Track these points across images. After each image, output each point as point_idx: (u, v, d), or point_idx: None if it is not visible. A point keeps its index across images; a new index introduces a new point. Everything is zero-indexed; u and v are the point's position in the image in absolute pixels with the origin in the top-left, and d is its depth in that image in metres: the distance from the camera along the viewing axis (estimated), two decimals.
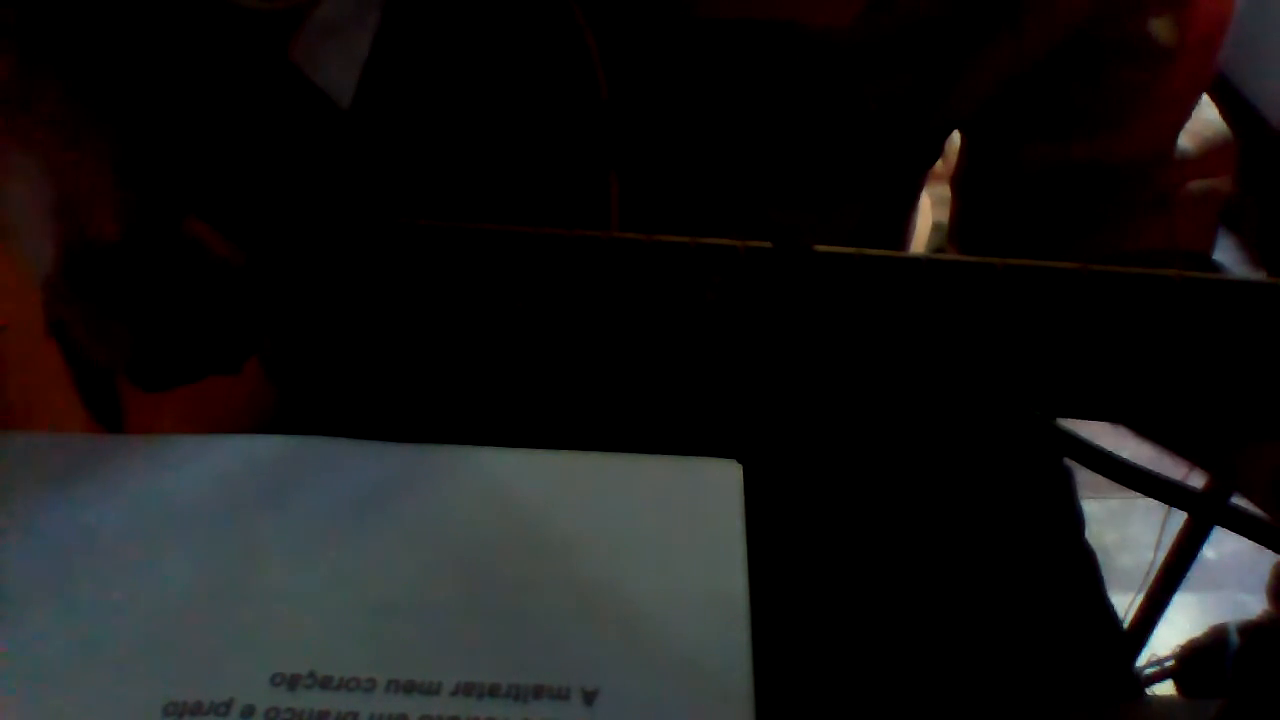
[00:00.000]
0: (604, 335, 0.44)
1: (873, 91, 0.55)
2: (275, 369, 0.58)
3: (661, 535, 0.41)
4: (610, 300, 0.43)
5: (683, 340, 0.43)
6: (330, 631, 0.37)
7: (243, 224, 0.50)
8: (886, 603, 0.59)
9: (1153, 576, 1.14)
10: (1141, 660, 1.17)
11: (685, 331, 0.43)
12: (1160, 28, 0.54)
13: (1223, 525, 0.49)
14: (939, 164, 0.66)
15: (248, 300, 0.50)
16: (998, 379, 0.40)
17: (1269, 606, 0.45)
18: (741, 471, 0.43)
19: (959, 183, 0.64)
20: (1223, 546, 1.49)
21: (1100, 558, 0.65)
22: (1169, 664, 1.07)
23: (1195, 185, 0.57)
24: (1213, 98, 0.59)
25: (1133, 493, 0.44)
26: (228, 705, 0.35)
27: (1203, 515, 1.03)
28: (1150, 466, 0.43)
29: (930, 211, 0.75)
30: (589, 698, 0.36)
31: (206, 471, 0.43)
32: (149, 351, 0.48)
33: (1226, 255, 0.61)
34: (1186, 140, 0.57)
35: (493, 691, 0.36)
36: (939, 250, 0.72)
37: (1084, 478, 0.59)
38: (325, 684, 0.36)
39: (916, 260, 0.41)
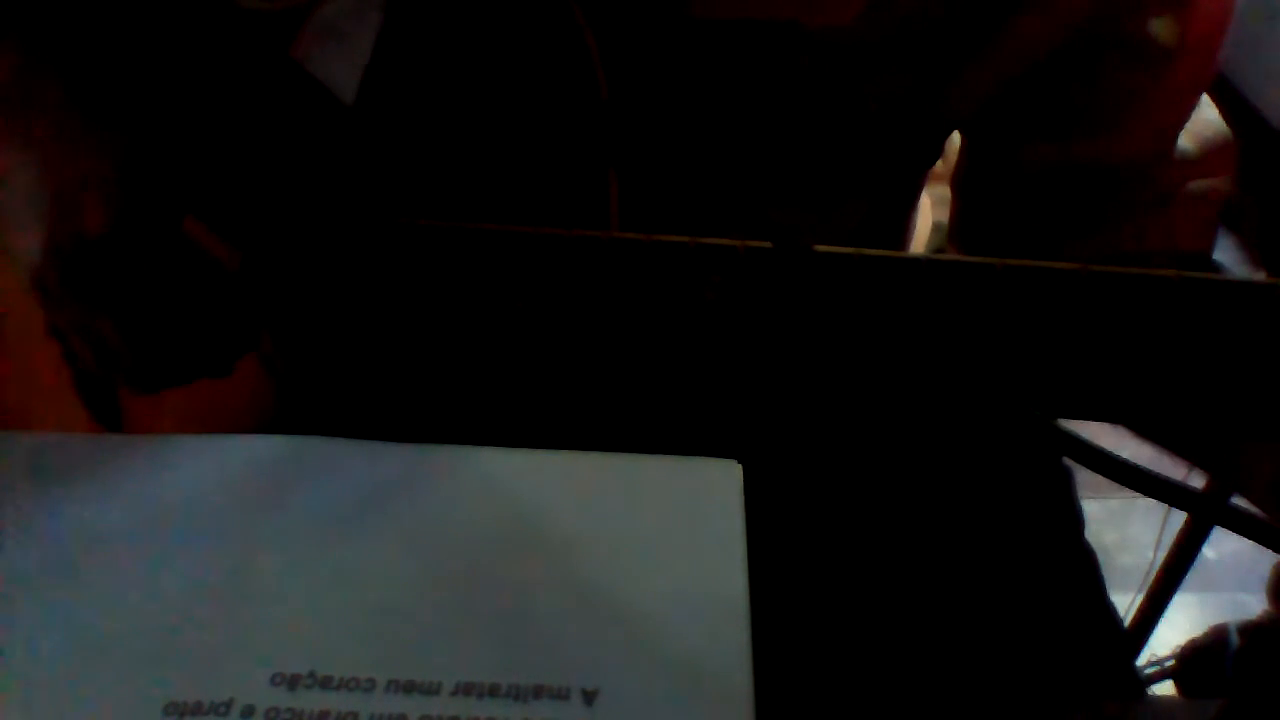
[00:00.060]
0: (604, 335, 0.44)
1: (873, 91, 0.55)
2: (275, 369, 0.58)
3: (661, 535, 0.41)
4: (610, 300, 0.43)
5: (683, 340, 0.43)
6: (330, 631, 0.37)
7: (243, 224, 0.50)
8: (886, 603, 0.59)
9: (1153, 576, 1.14)
10: (1141, 660, 1.17)
11: (685, 331, 0.43)
12: (1160, 28, 0.54)
13: (1223, 525, 0.49)
14: (939, 164, 0.66)
15: (240, 303, 0.50)
16: (998, 379, 0.40)
17: (1269, 606, 0.45)
18: (741, 471, 0.43)
19: (959, 183, 0.64)
20: (1223, 546, 1.49)
21: (1100, 558, 0.65)
22: (1169, 664, 1.07)
23: (1195, 185, 0.57)
24: (1213, 98, 0.59)
25: (1133, 493, 0.44)
26: (228, 705, 0.35)
27: (1203, 515, 1.03)
28: (1150, 466, 0.43)
29: (930, 211, 0.75)
30: (589, 698, 0.36)
31: (206, 471, 0.43)
32: (140, 352, 0.48)
33: (1226, 255, 0.61)
34: (1186, 140, 0.57)
35: (493, 691, 0.36)
36: (939, 250, 0.72)
37: (1084, 478, 0.59)
38: (325, 684, 0.36)
39: (916, 260, 0.41)
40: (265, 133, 0.52)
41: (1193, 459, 0.55)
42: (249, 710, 0.35)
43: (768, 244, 0.41)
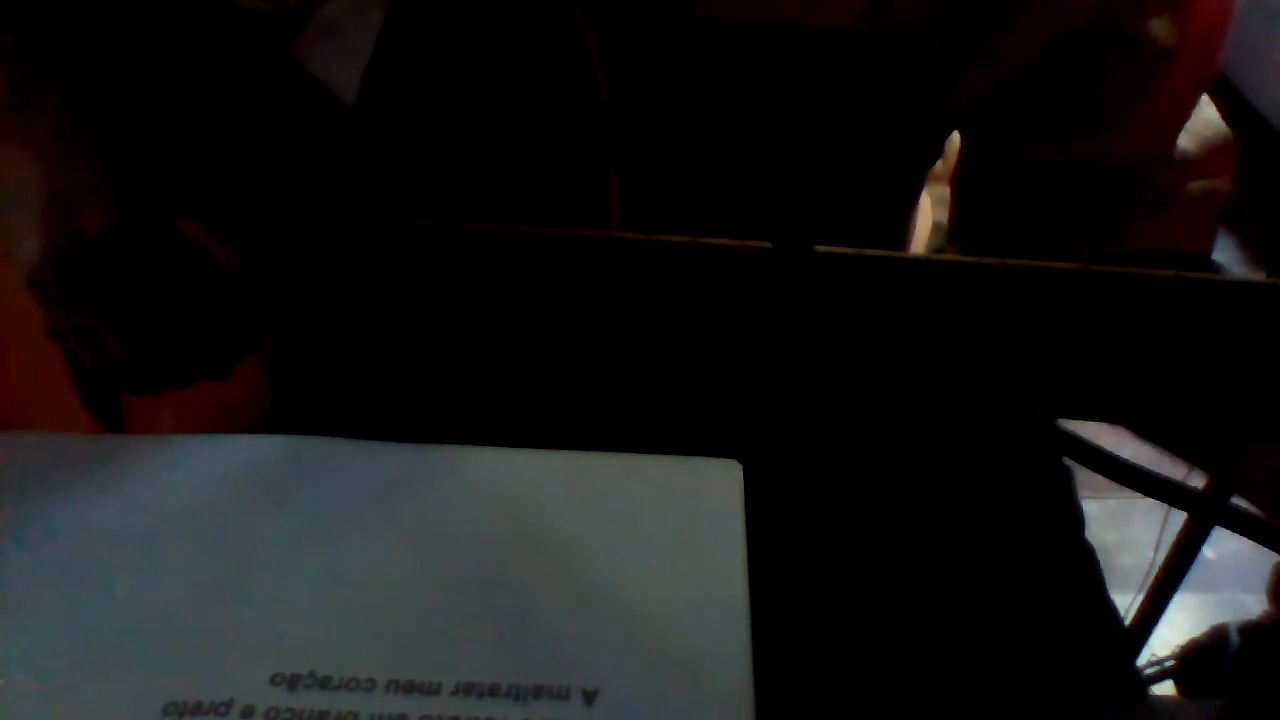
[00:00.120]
0: (604, 335, 0.44)
1: (873, 91, 0.55)
2: (275, 369, 0.58)
3: (661, 535, 0.41)
4: (610, 300, 0.43)
5: (683, 340, 0.43)
6: (330, 631, 0.37)
7: (243, 224, 0.50)
8: (886, 603, 0.59)
9: (1153, 576, 1.14)
10: (1141, 660, 1.17)
11: (685, 331, 0.43)
12: (1160, 28, 0.54)
13: (1223, 525, 0.49)
14: (939, 164, 0.66)
15: (239, 305, 0.50)
16: (998, 379, 0.40)
17: (1269, 606, 0.45)
18: (741, 471, 0.43)
19: (959, 183, 0.64)
20: (1223, 546, 1.49)
21: (1100, 558, 0.65)
22: (1169, 664, 1.07)
23: (1195, 185, 0.57)
24: (1213, 98, 0.59)
25: (1133, 493, 0.44)
26: (228, 705, 0.35)
27: (1203, 515, 1.03)
28: (1150, 466, 0.43)
29: (930, 211, 0.75)
30: (589, 698, 0.36)
31: (206, 471, 0.43)
32: (138, 354, 0.48)
33: (1226, 255, 0.61)
34: (1186, 140, 0.57)
35: (493, 691, 0.36)
36: (939, 250, 0.72)
37: (1084, 478, 0.59)
38: (325, 684, 0.36)
39: (916, 260, 0.41)
40: (265, 133, 0.52)
41: (1193, 459, 0.55)
42: (249, 710, 0.35)
43: (768, 244, 0.41)
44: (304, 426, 0.45)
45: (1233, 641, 0.45)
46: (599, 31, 0.48)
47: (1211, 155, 0.58)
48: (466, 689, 0.36)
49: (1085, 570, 0.64)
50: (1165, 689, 1.10)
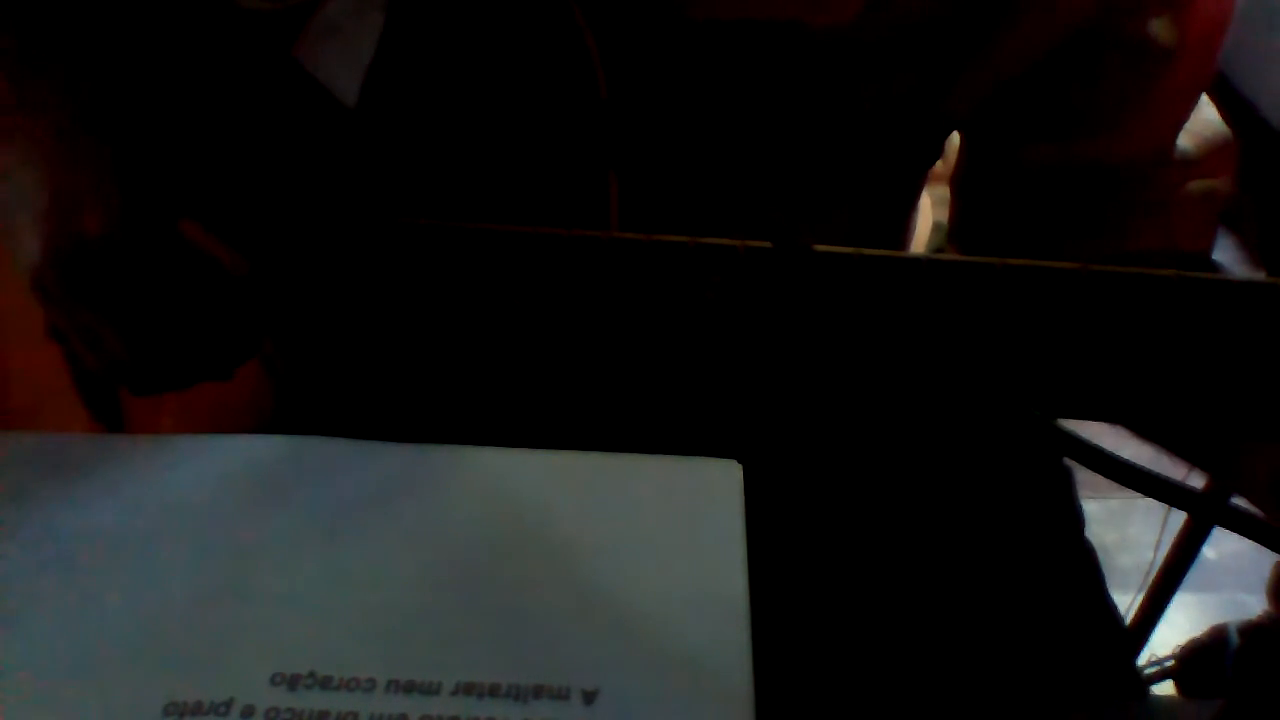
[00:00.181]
0: (604, 335, 0.44)
1: (873, 91, 0.55)
2: (275, 369, 0.58)
3: (661, 535, 0.41)
4: (610, 300, 0.43)
5: (683, 340, 0.43)
6: (330, 631, 0.37)
7: (244, 225, 0.50)
8: (886, 602, 0.59)
9: (1153, 576, 1.14)
10: (1141, 660, 1.17)
11: (685, 331, 0.43)
12: (1160, 28, 0.54)
13: (1223, 525, 0.49)
14: (939, 164, 0.66)
15: (241, 306, 0.50)
16: (998, 379, 0.40)
17: (1269, 606, 0.45)
18: (741, 471, 0.43)
19: (959, 183, 0.64)
20: (1223, 546, 1.49)
21: (1100, 558, 0.65)
22: (1169, 664, 1.07)
23: (1195, 185, 0.57)
24: (1213, 98, 0.59)
25: (1133, 493, 0.44)
26: (228, 705, 0.35)
27: (1203, 515, 1.03)
28: (1150, 466, 0.43)
29: (930, 211, 0.75)
30: (589, 698, 0.36)
31: (206, 471, 0.43)
32: (139, 355, 0.48)
33: (1226, 255, 0.61)
34: (1186, 140, 0.57)
35: (493, 691, 0.36)
36: (939, 250, 0.72)
37: (1084, 478, 0.59)
38: (325, 684, 0.36)
39: (916, 260, 0.41)
40: (265, 133, 0.52)
41: (1193, 459, 0.55)
42: (249, 710, 0.35)
43: (768, 244, 0.41)
44: (304, 426, 0.45)
45: (1233, 641, 0.45)
46: (599, 31, 0.48)
47: (1211, 155, 0.58)
48: (466, 689, 0.36)
49: (1085, 570, 0.64)
50: (1165, 689, 1.10)
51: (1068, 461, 0.67)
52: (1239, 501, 0.50)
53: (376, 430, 0.44)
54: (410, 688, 0.36)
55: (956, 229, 0.65)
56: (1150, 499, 0.45)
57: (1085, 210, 0.58)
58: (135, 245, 0.46)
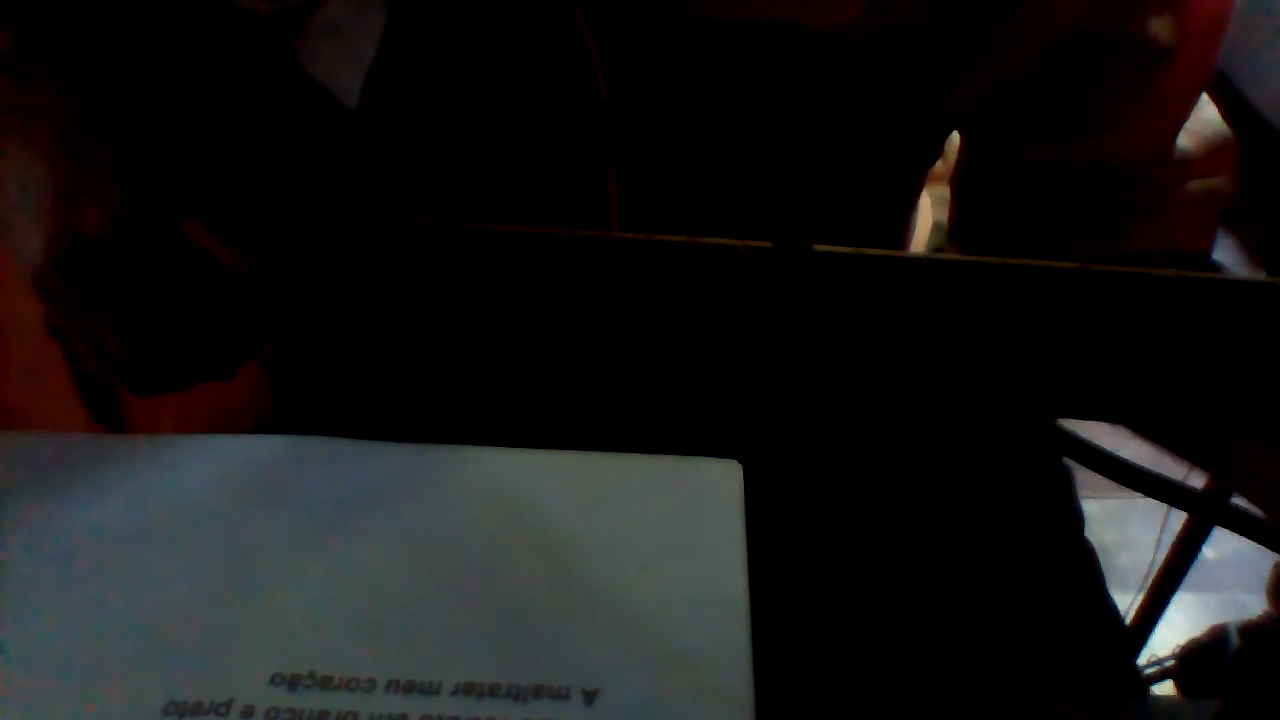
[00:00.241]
0: (604, 335, 0.44)
1: (872, 91, 0.55)
2: (275, 369, 0.58)
3: (661, 535, 0.41)
4: (610, 300, 0.43)
5: (683, 340, 0.43)
6: (330, 631, 0.37)
7: (245, 225, 0.50)
8: (886, 602, 0.59)
9: (1153, 576, 1.14)
10: (1141, 660, 1.17)
11: (685, 331, 0.43)
12: (1159, 27, 0.54)
13: (1223, 525, 0.49)
14: (939, 164, 0.66)
15: (243, 305, 0.50)
16: (998, 379, 0.40)
17: (1269, 606, 0.45)
18: (741, 471, 0.43)
19: (959, 183, 0.64)
20: (1223, 546, 1.49)
21: (1100, 558, 0.65)
22: (1169, 664, 1.07)
23: (1195, 185, 0.57)
24: (1213, 98, 0.59)
25: (1133, 493, 0.44)
26: (228, 705, 0.35)
27: (1203, 515, 1.03)
28: (1150, 466, 0.43)
29: (930, 211, 0.75)
30: (589, 698, 0.36)
31: (206, 471, 0.43)
32: (140, 355, 0.48)
33: (1226, 255, 0.61)
34: (1186, 140, 0.57)
35: (493, 691, 0.36)
36: (939, 250, 0.72)
37: (1084, 478, 0.59)
38: (325, 684, 0.36)
39: (916, 260, 0.41)
40: (266, 133, 0.52)
41: (1193, 459, 0.55)
42: (249, 710, 0.35)
43: (768, 244, 0.41)
44: (304, 426, 0.45)
45: (1233, 641, 0.45)
46: (599, 31, 0.48)
47: (1211, 155, 0.58)
48: (466, 689, 0.36)
49: (1085, 570, 0.64)
50: (1165, 689, 1.10)
51: (1068, 461, 0.67)
52: (1239, 501, 0.50)
53: (376, 430, 0.44)
54: (410, 688, 0.36)
55: (956, 229, 0.65)
56: (1150, 499, 0.45)
57: (1085, 210, 0.58)
58: (135, 245, 0.46)
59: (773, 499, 0.46)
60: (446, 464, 0.44)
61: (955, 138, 0.64)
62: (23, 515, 0.41)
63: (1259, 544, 0.44)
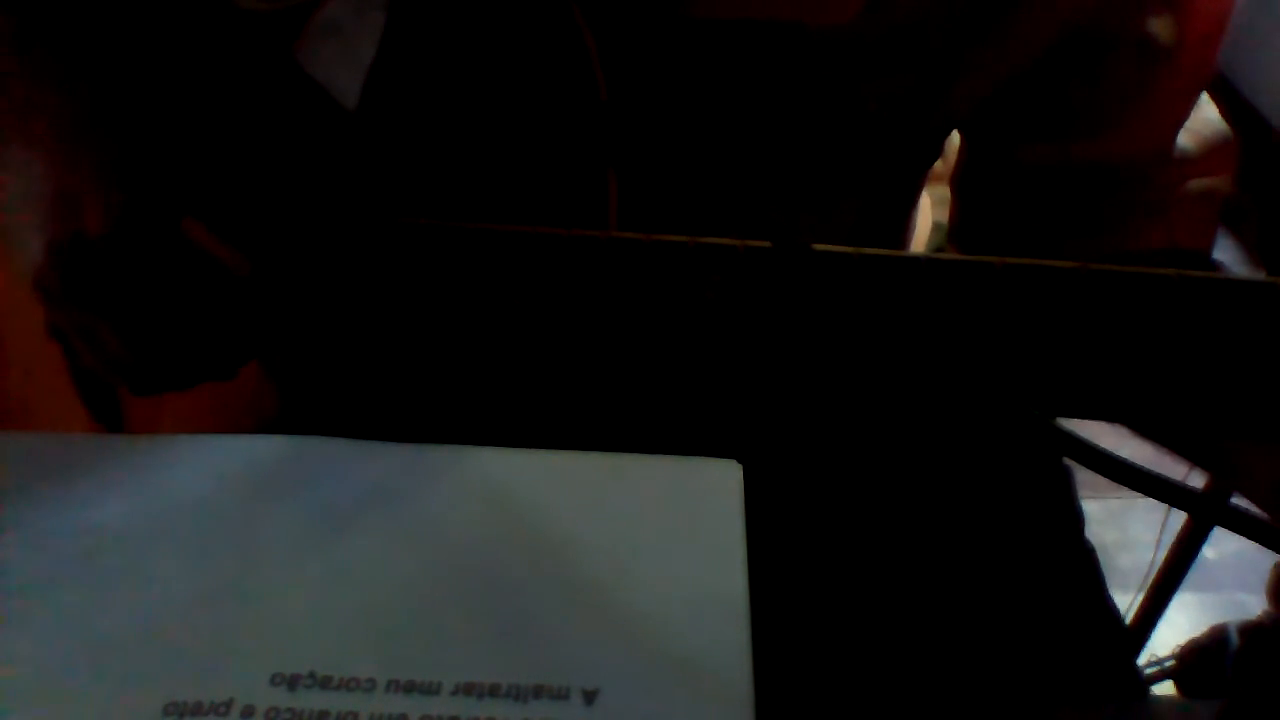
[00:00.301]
0: (604, 335, 0.44)
1: (873, 91, 0.55)
2: (276, 369, 0.58)
3: (661, 535, 0.41)
4: (610, 300, 0.43)
5: (683, 340, 0.43)
6: (330, 631, 0.37)
7: (245, 225, 0.50)
8: (886, 602, 0.59)
9: (1153, 576, 1.14)
10: (1141, 660, 1.17)
11: (685, 331, 0.43)
12: (1159, 26, 0.54)
13: (1223, 525, 0.49)
14: (939, 164, 0.66)
15: (243, 305, 0.50)
16: (998, 379, 0.40)
17: (1269, 606, 0.45)
18: (741, 471, 0.43)
19: (959, 183, 0.64)
20: (1223, 546, 1.49)
21: (1100, 558, 0.65)
22: (1169, 664, 1.07)
23: (1195, 185, 0.57)
24: (1213, 98, 0.59)
25: (1133, 493, 0.44)
26: (228, 705, 0.35)
27: (1203, 515, 1.03)
28: (1150, 466, 0.43)
29: (930, 211, 0.75)
30: (589, 698, 0.36)
31: (206, 471, 0.43)
32: (139, 355, 0.48)
33: (1226, 255, 0.61)
34: (1186, 140, 0.57)
35: (493, 691, 0.36)
36: (939, 250, 0.72)
37: (1084, 477, 0.59)
38: (325, 684, 0.36)
39: (916, 260, 0.41)
40: (265, 133, 0.52)
41: (1193, 459, 0.55)
42: (249, 710, 0.35)
43: (768, 244, 0.41)
44: (304, 426, 0.45)
45: (1233, 641, 0.45)
46: (599, 32, 0.48)
47: (1211, 155, 0.58)
48: (466, 689, 0.36)
49: (1085, 570, 0.64)
50: (1165, 689, 1.10)
51: (1068, 461, 0.67)
52: (1239, 501, 0.50)
53: (376, 430, 0.44)
54: (410, 688, 0.36)
55: (956, 229, 0.65)
56: (1150, 499, 0.45)
57: (1085, 210, 0.58)
58: (136, 245, 0.46)
59: (773, 499, 0.46)
60: (446, 464, 0.44)
61: (955, 138, 0.64)
62: (22, 515, 0.41)
63: (1259, 544, 0.44)
